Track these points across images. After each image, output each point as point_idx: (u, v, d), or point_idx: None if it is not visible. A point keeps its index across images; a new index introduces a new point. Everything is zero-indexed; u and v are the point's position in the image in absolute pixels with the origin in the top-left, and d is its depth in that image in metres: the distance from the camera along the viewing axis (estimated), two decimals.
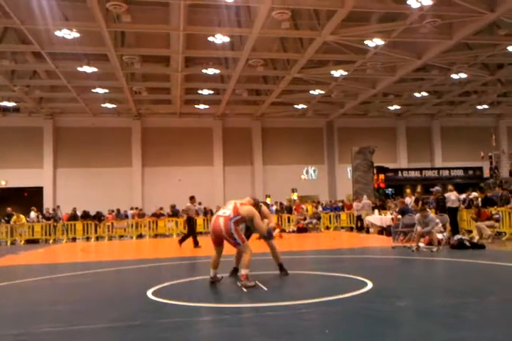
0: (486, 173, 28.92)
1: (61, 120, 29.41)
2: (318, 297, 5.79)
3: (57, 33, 16.48)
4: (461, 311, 5.12)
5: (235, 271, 7.84)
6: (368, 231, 19.14)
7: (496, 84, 25.70)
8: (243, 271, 6.88)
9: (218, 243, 7.11)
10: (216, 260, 7.19)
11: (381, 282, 6.94)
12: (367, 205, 20.92)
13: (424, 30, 17.00)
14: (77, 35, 16.65)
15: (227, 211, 6.98)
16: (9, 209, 21.66)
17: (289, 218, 22.61)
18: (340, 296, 5.83)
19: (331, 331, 4.40)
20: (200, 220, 22.05)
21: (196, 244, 14.44)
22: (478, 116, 33.10)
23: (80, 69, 20.37)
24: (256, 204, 7.54)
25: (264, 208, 7.91)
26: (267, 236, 7.89)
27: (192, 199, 15.27)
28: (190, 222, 15.01)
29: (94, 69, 20.53)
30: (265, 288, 6.70)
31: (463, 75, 22.68)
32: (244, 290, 6.54)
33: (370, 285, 6.57)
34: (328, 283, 7.37)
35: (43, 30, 16.70)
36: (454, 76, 22.77)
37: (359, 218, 20.91)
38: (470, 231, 15.06)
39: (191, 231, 14.97)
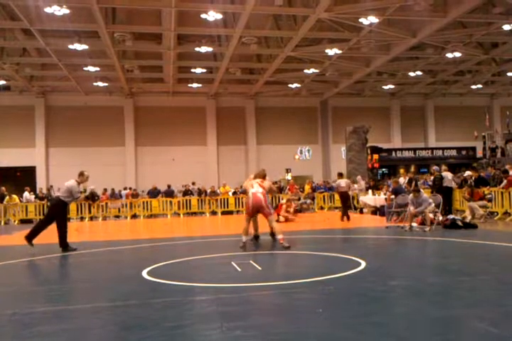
0: (479, 153, 29.02)
1: (53, 99, 29.06)
2: (311, 276, 5.83)
3: (47, 9, 16.12)
4: (453, 290, 5.20)
5: (256, 238, 9.83)
6: (361, 212, 19.25)
7: (490, 64, 25.57)
8: (280, 236, 8.80)
9: (253, 214, 9.03)
10: (247, 228, 8.88)
11: (374, 261, 7.01)
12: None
13: (419, 7, 16.78)
14: (67, 11, 16.29)
15: (259, 189, 8.91)
16: (3, 188, 21.54)
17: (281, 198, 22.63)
18: (334, 276, 5.89)
19: (324, 310, 4.45)
20: (194, 201, 22.08)
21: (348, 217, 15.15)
22: (472, 95, 33.06)
23: (70, 46, 20.00)
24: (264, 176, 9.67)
25: (272, 186, 10.00)
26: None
27: (341, 175, 16.31)
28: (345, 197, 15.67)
29: (85, 47, 20.16)
30: (259, 268, 6.75)
31: (457, 54, 22.53)
32: (286, 245, 8.50)
33: (363, 264, 6.64)
34: (321, 262, 7.43)
35: (32, 6, 16.31)
36: (449, 55, 22.63)
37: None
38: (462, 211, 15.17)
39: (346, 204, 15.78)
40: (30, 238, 9.37)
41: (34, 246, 9.37)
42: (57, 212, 9.63)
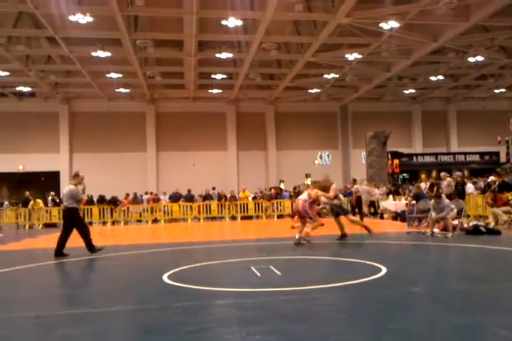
0: (503, 158, 28.54)
1: (76, 105, 29.61)
2: (331, 282, 5.83)
3: (71, 18, 16.45)
4: (475, 297, 5.14)
5: (342, 237, 10.90)
6: (382, 217, 19.08)
7: None
8: (307, 229, 10.36)
9: (301, 217, 10.29)
10: (302, 227, 10.16)
11: (395, 267, 6.96)
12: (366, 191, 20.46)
13: (440, 12, 16.67)
14: (91, 19, 16.59)
15: (303, 195, 10.33)
16: (27, 193, 21.99)
17: None
18: (355, 281, 5.87)
19: (343, 316, 4.44)
20: (214, 205, 22.19)
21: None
22: (494, 99, 32.56)
23: (93, 54, 20.39)
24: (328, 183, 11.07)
25: (332, 186, 10.91)
26: (343, 212, 11.20)
27: (355, 181, 18.60)
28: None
29: (108, 54, 20.52)
30: (279, 273, 6.76)
31: (480, 58, 22.26)
32: (297, 241, 9.98)
33: (384, 270, 6.59)
34: (342, 268, 7.41)
35: (56, 14, 16.67)
36: (471, 59, 22.36)
37: (371, 203, 20.78)
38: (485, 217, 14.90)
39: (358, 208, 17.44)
40: (59, 252, 9.31)
41: (66, 254, 9.34)
42: (70, 220, 9.59)
